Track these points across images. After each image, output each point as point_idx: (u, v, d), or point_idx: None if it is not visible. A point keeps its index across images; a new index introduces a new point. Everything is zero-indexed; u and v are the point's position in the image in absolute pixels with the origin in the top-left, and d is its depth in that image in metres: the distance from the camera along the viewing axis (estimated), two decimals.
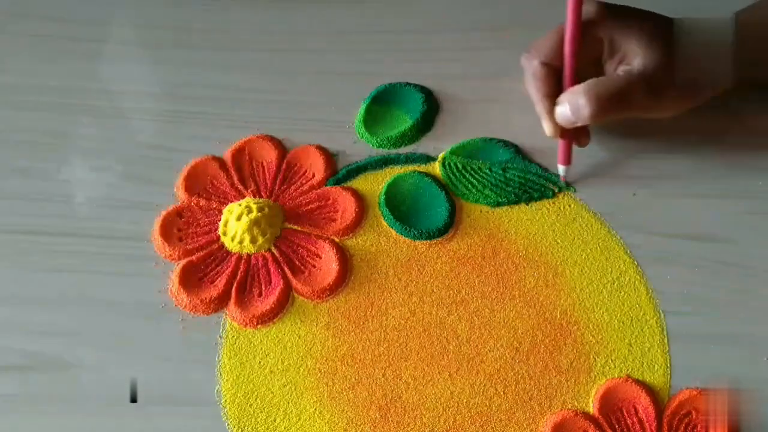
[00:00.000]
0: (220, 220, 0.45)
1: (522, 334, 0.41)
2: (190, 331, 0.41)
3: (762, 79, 0.46)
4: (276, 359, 0.41)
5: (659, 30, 0.43)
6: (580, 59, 0.43)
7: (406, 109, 0.50)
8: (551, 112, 0.44)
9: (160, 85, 0.52)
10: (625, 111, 0.43)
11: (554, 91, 0.44)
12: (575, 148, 0.46)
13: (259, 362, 0.41)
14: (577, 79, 0.43)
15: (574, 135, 0.45)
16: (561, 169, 0.46)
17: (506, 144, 0.48)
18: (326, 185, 0.46)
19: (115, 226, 0.45)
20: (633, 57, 0.43)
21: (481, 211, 0.45)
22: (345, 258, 0.44)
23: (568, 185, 0.46)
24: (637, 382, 0.39)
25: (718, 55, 0.43)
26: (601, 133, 0.48)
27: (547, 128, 0.44)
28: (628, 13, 0.44)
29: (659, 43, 0.42)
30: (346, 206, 0.45)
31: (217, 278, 0.43)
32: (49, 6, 0.55)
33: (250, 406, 0.39)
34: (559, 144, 0.45)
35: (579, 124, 0.43)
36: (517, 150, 0.47)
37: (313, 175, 0.47)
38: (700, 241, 0.44)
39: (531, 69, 0.44)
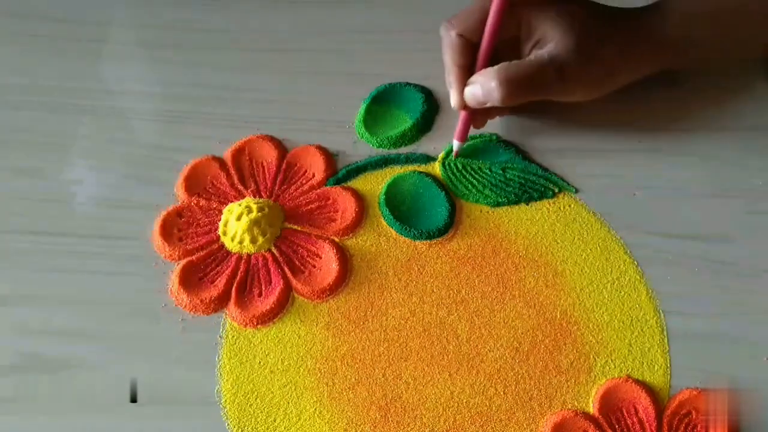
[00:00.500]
0: (220, 220, 0.45)
1: (522, 334, 0.41)
2: (190, 331, 0.41)
3: (676, 69, 0.47)
4: (276, 359, 0.41)
5: (577, 16, 0.43)
6: (498, 38, 0.43)
7: (406, 109, 0.50)
8: (461, 85, 0.44)
9: (160, 85, 0.52)
10: (535, 96, 0.44)
11: (468, 62, 0.44)
12: (584, 159, 0.47)
13: (259, 362, 0.41)
14: (491, 59, 0.44)
15: (474, 114, 0.46)
16: (455, 144, 0.47)
17: (506, 144, 0.48)
18: (326, 185, 0.46)
19: (115, 226, 0.45)
20: (547, 41, 0.43)
21: (481, 211, 0.45)
22: (345, 258, 0.44)
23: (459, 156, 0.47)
24: (637, 382, 0.39)
25: (632, 45, 0.44)
26: (601, 133, 0.48)
27: (454, 100, 0.45)
28: None
29: (575, 29, 0.43)
30: (346, 206, 0.45)
31: (217, 278, 0.43)
32: (49, 6, 0.55)
33: (250, 406, 0.39)
34: (460, 119, 0.46)
35: (488, 106, 0.44)
36: (517, 150, 0.47)
37: (313, 175, 0.47)
38: (700, 241, 0.44)
39: (448, 39, 0.44)
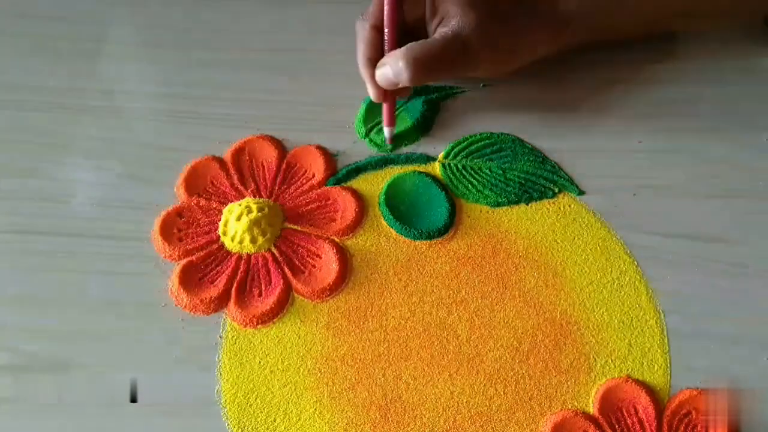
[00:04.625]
0: (220, 220, 0.45)
1: (522, 334, 0.41)
2: (190, 331, 0.41)
3: (577, 44, 0.48)
4: (276, 359, 0.41)
5: None
6: (408, 20, 0.45)
7: (406, 109, 0.50)
8: (374, 77, 0.45)
9: (160, 85, 0.52)
10: (443, 73, 0.46)
11: (379, 56, 0.45)
12: (584, 159, 0.47)
13: (259, 362, 0.41)
14: (399, 42, 0.45)
15: (396, 94, 0.47)
16: (386, 130, 0.48)
17: (522, 143, 0.48)
18: (326, 185, 0.46)
19: (115, 226, 0.45)
20: (450, 19, 0.44)
21: (481, 211, 0.45)
22: (345, 258, 0.44)
23: (392, 143, 0.48)
24: (637, 382, 0.39)
25: (539, 21, 0.45)
26: (601, 133, 0.48)
27: (372, 93, 0.46)
28: None
29: (477, 6, 0.44)
30: (346, 206, 0.45)
31: (217, 278, 0.43)
32: (49, 6, 0.55)
33: (250, 406, 0.39)
34: (384, 107, 0.47)
35: (401, 86, 0.45)
36: (533, 148, 0.47)
37: (313, 175, 0.47)
38: (700, 241, 0.44)
39: (362, 33, 0.46)
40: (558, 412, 0.39)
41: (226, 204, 0.45)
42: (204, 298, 0.42)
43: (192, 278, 0.43)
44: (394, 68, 0.44)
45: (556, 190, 0.46)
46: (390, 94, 0.46)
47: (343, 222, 0.45)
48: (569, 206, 0.45)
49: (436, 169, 0.47)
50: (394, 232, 0.45)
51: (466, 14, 0.44)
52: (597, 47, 0.50)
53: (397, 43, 0.45)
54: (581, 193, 0.46)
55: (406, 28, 0.45)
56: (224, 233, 0.44)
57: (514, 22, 0.45)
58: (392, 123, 0.47)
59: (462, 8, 0.44)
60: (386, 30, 0.45)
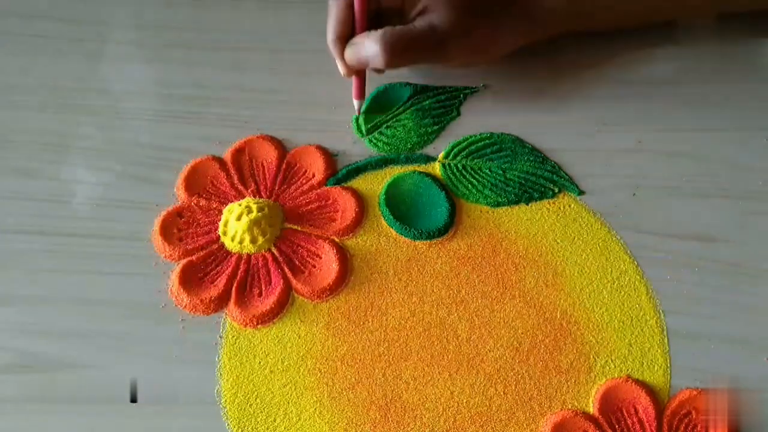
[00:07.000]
0: (220, 220, 0.45)
1: (522, 334, 0.41)
2: (190, 331, 0.41)
3: (558, 36, 0.49)
4: (276, 359, 0.41)
5: None
6: (384, 5, 0.47)
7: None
8: (343, 54, 0.46)
9: (161, 85, 0.52)
10: (417, 61, 0.47)
11: (349, 33, 0.46)
12: (584, 159, 0.47)
13: (259, 362, 0.41)
14: (372, 25, 0.45)
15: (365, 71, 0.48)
16: (356, 103, 0.49)
17: (522, 143, 0.48)
18: (326, 185, 0.46)
19: (115, 226, 0.45)
20: (430, 11, 0.45)
21: (481, 211, 0.45)
22: (345, 258, 0.44)
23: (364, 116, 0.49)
24: (637, 382, 0.39)
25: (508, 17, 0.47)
26: (601, 133, 0.48)
27: (341, 69, 0.47)
28: None
29: (457, 4, 0.45)
30: (346, 206, 0.45)
31: (217, 278, 0.43)
32: (49, 6, 0.55)
33: (250, 406, 0.39)
34: (353, 80, 0.48)
35: (372, 68, 0.46)
36: (533, 149, 0.47)
37: (313, 175, 0.47)
38: (700, 241, 0.44)
39: (334, 10, 0.46)
40: (558, 412, 0.39)
41: (226, 204, 0.45)
42: (204, 298, 0.42)
43: (192, 278, 0.43)
44: (369, 50, 0.44)
45: (556, 190, 0.46)
46: (360, 71, 0.47)
47: (343, 222, 0.45)
48: (569, 206, 0.45)
49: (436, 169, 0.47)
50: (394, 232, 0.45)
51: (446, 12, 0.45)
52: (590, 39, 0.50)
53: (366, 25, 0.45)
54: (581, 193, 0.46)
55: (378, 9, 0.47)
56: (224, 233, 0.44)
57: (492, 18, 0.46)
58: (361, 96, 0.48)
59: (443, 5, 0.45)
60: (356, 10, 0.45)
